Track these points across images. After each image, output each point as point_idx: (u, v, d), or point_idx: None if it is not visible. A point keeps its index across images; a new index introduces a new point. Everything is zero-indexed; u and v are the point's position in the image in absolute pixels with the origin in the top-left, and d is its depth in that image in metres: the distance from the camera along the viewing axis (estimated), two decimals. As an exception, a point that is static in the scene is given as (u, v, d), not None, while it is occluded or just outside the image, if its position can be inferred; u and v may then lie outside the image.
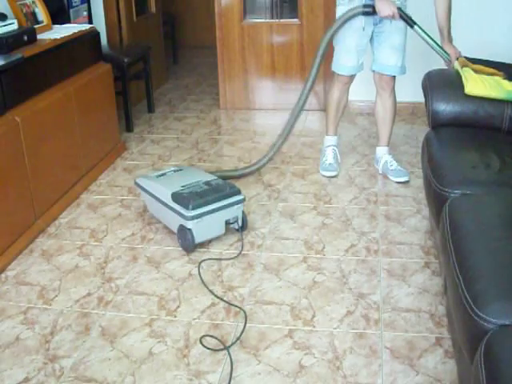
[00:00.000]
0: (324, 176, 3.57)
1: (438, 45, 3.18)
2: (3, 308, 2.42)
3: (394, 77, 3.41)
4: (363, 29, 3.27)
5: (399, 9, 3.15)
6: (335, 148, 3.66)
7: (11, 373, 2.06)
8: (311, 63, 3.41)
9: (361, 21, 3.24)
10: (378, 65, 3.40)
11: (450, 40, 3.21)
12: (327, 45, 3.34)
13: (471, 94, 2.71)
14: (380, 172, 3.56)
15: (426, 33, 3.17)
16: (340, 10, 3.33)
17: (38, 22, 3.47)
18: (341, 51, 3.38)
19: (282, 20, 4.73)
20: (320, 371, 2.04)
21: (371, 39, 3.35)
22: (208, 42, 5.98)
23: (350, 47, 3.34)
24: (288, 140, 3.60)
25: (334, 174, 3.57)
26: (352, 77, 3.47)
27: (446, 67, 3.19)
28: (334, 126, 3.65)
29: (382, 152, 3.58)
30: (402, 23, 3.23)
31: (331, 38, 3.33)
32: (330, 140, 3.67)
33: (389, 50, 3.32)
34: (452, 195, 2.23)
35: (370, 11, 3.17)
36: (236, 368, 2.06)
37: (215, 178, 2.99)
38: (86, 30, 3.60)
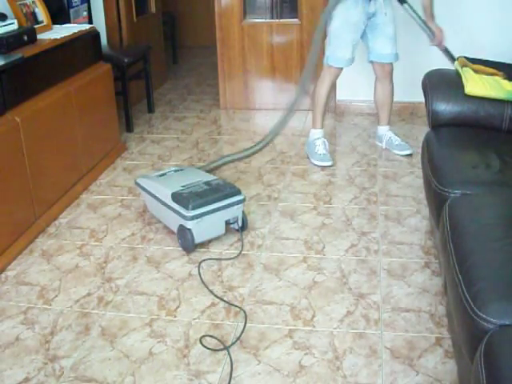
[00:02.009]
0: (321, 166, 3.65)
1: (424, 22, 3.46)
2: (3, 308, 2.42)
3: (392, 63, 3.63)
4: (362, 23, 3.46)
5: None
6: (325, 139, 3.77)
7: (11, 373, 2.06)
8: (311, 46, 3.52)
9: (359, 16, 3.43)
10: (375, 55, 3.61)
11: (433, 18, 3.49)
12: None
13: (471, 94, 2.71)
14: (384, 147, 3.78)
15: (414, 10, 3.45)
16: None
17: (38, 22, 3.47)
18: (338, 45, 3.54)
19: (281, 20, 4.73)
20: (320, 371, 2.04)
21: (363, 32, 3.54)
22: (208, 42, 5.97)
23: (347, 41, 3.52)
24: (288, 140, 3.60)
25: (330, 163, 3.66)
26: (342, 69, 3.66)
27: (430, 44, 3.52)
28: (322, 119, 3.78)
29: (384, 130, 3.83)
30: (392, 14, 3.48)
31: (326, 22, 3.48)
32: (319, 133, 3.78)
33: (384, 39, 3.55)
34: (452, 195, 2.22)
35: None
36: (236, 368, 2.06)
37: (215, 178, 3.00)
38: (85, 30, 3.60)
